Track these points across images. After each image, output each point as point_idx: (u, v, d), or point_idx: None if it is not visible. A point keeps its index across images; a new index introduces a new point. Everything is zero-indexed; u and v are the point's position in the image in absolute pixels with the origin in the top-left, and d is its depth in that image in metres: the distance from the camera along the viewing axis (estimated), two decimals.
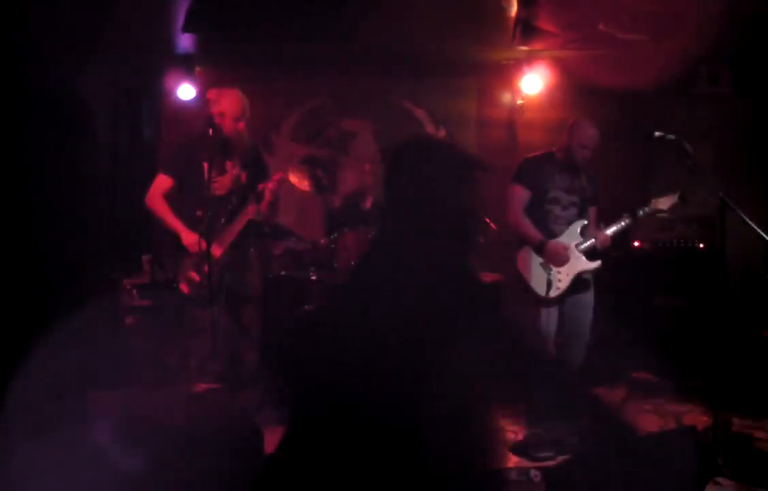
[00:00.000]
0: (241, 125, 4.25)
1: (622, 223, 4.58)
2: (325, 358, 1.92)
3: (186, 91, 6.20)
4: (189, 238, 4.11)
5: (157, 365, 4.66)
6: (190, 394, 3.54)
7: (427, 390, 1.70)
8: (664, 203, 4.58)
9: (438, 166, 2.03)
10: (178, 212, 4.22)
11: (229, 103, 4.19)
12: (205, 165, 4.16)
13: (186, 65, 6.14)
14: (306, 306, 4.92)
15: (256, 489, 1.94)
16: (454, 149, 2.13)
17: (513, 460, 3.93)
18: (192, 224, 4.13)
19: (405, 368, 1.74)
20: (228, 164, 4.27)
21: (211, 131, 4.13)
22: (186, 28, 5.29)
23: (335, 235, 5.08)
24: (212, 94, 4.25)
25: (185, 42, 5.80)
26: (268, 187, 4.25)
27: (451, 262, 2.01)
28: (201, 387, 3.68)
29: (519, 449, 4.03)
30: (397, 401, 1.71)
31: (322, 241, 5.17)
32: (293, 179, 5.15)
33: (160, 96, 6.36)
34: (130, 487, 2.44)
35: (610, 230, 4.55)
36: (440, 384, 1.73)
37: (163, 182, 4.27)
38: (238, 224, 4.25)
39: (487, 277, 5.92)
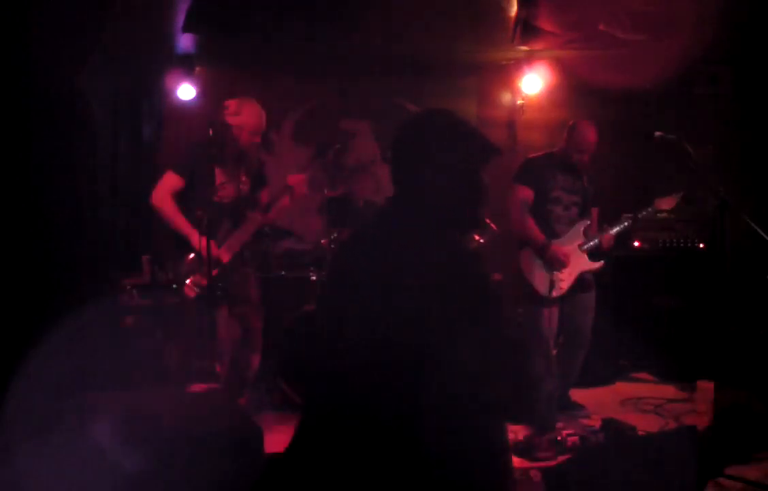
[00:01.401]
0: (257, 138, 4.24)
1: (625, 223, 4.58)
2: (323, 353, 1.92)
3: (186, 91, 6.20)
4: (198, 240, 4.07)
5: (157, 366, 4.66)
6: (190, 394, 3.53)
7: (428, 383, 1.69)
8: (666, 203, 4.58)
9: (454, 142, 1.97)
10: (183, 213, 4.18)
11: (249, 118, 4.17)
12: (217, 171, 4.16)
13: (186, 65, 6.14)
14: (306, 306, 4.91)
15: (257, 489, 1.94)
16: (471, 127, 2.04)
17: (513, 460, 3.93)
18: (193, 225, 4.11)
19: (405, 359, 1.72)
20: (239, 174, 4.27)
21: (227, 142, 4.13)
22: (186, 28, 5.29)
23: (335, 235, 5.08)
24: (232, 105, 4.19)
25: (185, 42, 5.80)
26: (297, 188, 4.29)
27: (455, 244, 1.94)
28: (201, 387, 3.68)
29: (519, 449, 4.03)
30: (396, 393, 1.71)
31: (322, 241, 5.17)
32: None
33: (160, 96, 6.36)
34: (129, 487, 2.44)
35: (613, 231, 4.55)
36: (442, 376, 1.71)
37: (173, 181, 4.17)
38: (246, 232, 4.25)
39: None
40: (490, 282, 1.98)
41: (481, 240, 5.38)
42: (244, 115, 4.17)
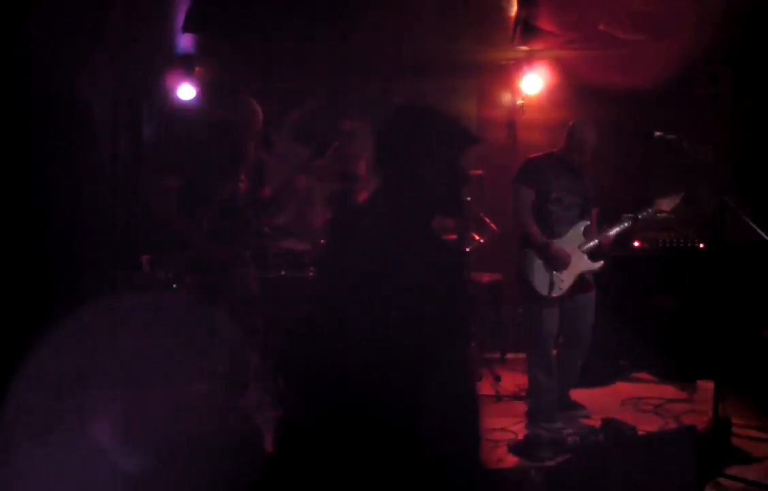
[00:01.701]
0: (256, 137, 4.29)
1: (625, 224, 4.57)
2: (318, 353, 1.93)
3: (186, 91, 6.20)
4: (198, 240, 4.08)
5: (156, 366, 4.65)
6: (190, 394, 3.53)
7: (421, 381, 1.69)
8: (667, 203, 4.57)
9: (434, 132, 2.01)
10: (183, 213, 4.19)
11: (247, 116, 4.20)
12: (216, 170, 4.17)
13: (186, 65, 6.14)
14: (306, 306, 4.90)
15: (256, 489, 1.94)
16: (451, 117, 2.08)
17: (513, 460, 3.93)
18: (194, 225, 4.11)
19: (398, 358, 1.73)
20: (238, 173, 4.28)
21: (225, 141, 4.14)
22: (186, 28, 5.29)
23: None
24: (230, 103, 4.22)
25: (185, 42, 5.80)
26: (297, 187, 4.31)
27: (436, 237, 2.00)
28: (201, 387, 3.68)
29: (519, 449, 4.03)
30: (385, 384, 1.71)
31: (321, 240, 5.16)
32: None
33: (160, 96, 6.36)
34: (130, 487, 2.44)
35: (613, 231, 4.55)
36: (433, 375, 1.72)
37: (174, 182, 4.21)
38: (246, 231, 4.26)
39: (488, 277, 5.94)
40: (465, 280, 2.03)
41: (482, 240, 5.39)
42: (242, 113, 4.18)
